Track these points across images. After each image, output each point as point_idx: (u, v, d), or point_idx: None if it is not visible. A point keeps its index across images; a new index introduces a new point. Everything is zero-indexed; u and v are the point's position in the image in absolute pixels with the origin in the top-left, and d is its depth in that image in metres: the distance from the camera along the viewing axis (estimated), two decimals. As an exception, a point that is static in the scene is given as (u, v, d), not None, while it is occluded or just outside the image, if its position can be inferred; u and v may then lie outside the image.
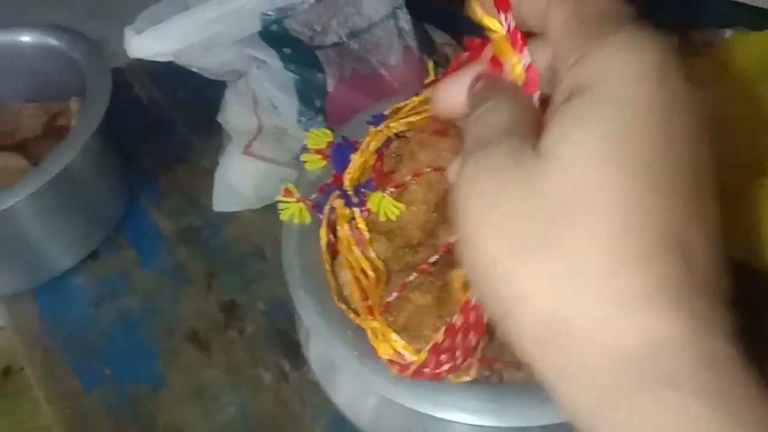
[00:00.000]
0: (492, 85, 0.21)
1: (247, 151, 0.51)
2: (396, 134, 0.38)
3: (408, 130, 0.37)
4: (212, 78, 0.50)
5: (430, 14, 0.57)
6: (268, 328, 0.46)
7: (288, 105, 0.50)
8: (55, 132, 0.51)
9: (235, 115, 0.52)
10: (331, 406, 0.39)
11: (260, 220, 0.51)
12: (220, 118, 0.53)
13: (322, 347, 0.32)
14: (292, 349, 0.44)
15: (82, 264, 0.50)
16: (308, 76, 0.49)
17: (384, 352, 0.28)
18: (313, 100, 0.50)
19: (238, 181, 0.51)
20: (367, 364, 0.29)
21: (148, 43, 0.46)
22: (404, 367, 0.27)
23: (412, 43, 0.50)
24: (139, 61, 0.48)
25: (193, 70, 0.48)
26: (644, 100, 0.16)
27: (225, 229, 0.52)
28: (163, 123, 0.60)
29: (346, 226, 0.33)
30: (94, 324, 0.47)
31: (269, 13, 0.46)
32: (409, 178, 0.33)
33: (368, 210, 0.33)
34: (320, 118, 0.50)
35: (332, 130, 0.37)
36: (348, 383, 0.36)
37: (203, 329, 0.46)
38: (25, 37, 0.53)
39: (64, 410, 0.44)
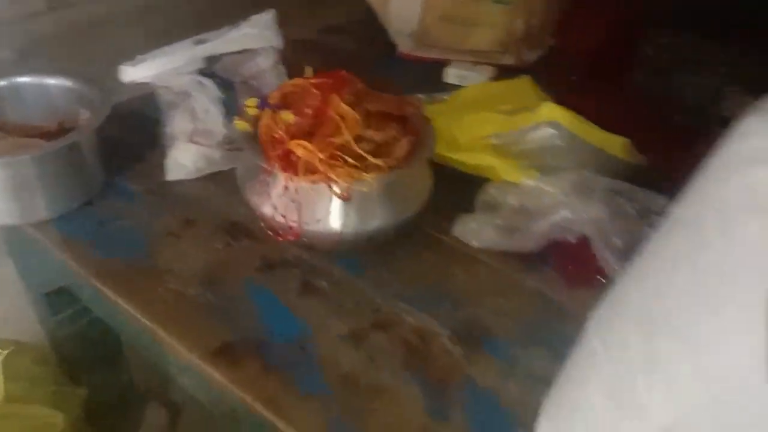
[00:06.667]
0: None
1: (190, 139, 0.84)
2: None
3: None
4: (169, 97, 0.84)
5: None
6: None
7: (215, 113, 0.85)
8: (64, 131, 0.81)
9: (180, 121, 0.86)
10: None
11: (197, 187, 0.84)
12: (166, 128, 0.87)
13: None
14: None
15: (82, 206, 0.79)
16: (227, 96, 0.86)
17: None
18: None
19: (184, 159, 0.84)
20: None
21: (136, 70, 0.80)
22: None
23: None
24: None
25: (163, 87, 0.82)
26: None
27: (174, 190, 0.83)
28: (143, 135, 0.91)
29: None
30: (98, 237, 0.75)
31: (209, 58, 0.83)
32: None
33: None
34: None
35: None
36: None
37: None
38: (50, 81, 0.84)
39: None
